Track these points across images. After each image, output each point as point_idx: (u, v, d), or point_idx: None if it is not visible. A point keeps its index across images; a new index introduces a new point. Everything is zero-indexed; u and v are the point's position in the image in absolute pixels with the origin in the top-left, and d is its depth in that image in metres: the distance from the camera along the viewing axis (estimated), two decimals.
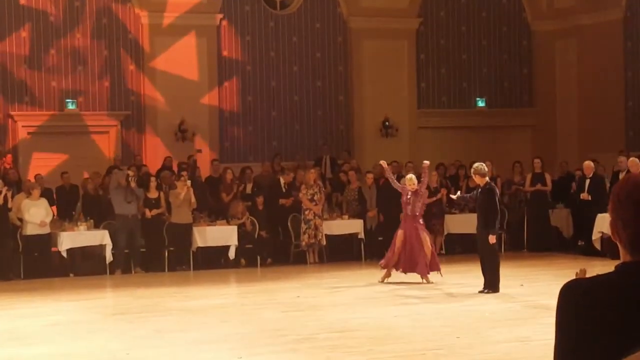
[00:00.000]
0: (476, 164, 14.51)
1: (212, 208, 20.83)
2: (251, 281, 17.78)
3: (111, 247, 19.23)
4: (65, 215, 20.09)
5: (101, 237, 19.34)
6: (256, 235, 20.39)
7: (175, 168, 21.82)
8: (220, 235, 19.88)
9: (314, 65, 24.64)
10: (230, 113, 23.96)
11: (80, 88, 22.83)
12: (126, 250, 19.60)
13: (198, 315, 13.12)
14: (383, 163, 17.06)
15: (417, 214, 16.18)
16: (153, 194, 20.10)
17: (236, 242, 19.90)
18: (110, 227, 19.51)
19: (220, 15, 23.72)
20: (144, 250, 19.86)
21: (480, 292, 14.43)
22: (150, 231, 19.79)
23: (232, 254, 19.96)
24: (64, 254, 19.16)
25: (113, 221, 19.64)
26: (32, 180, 20.33)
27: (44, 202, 19.33)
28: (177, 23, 23.15)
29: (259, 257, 20.26)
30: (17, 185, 20.24)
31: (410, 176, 16.35)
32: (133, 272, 19.51)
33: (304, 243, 20.27)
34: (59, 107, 22.64)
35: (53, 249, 19.35)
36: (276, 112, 24.35)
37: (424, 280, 16.12)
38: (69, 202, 20.44)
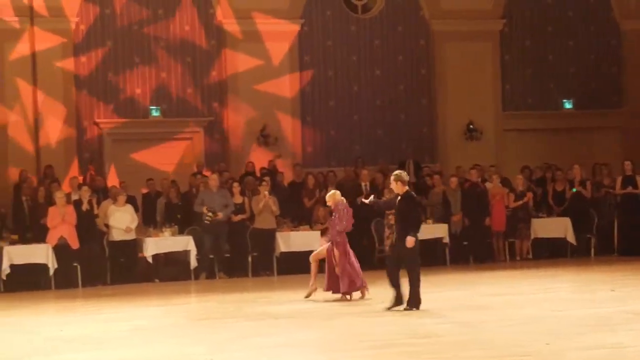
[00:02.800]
0: (398, 171, 13.85)
1: (295, 213, 20.78)
2: None
3: (195, 252, 19.31)
4: (150, 221, 20.21)
5: (185, 243, 19.44)
6: None
7: (258, 174, 21.83)
8: (304, 240, 19.81)
9: (396, 68, 24.43)
10: (312, 118, 23.87)
11: (165, 95, 22.96)
12: (211, 256, 19.66)
13: (281, 321, 13.03)
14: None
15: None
16: (237, 199, 20.15)
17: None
18: (194, 233, 19.59)
19: (302, 21, 23.66)
20: (228, 255, 19.90)
21: (406, 309, 13.40)
22: (235, 236, 19.84)
23: None
24: (150, 260, 19.29)
25: (197, 227, 19.72)
26: (118, 187, 20.50)
27: (129, 208, 19.52)
28: (259, 29, 23.13)
29: None
30: (103, 192, 20.44)
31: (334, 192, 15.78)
32: (217, 277, 19.57)
33: (387, 248, 20.07)
34: (144, 114, 22.79)
35: (139, 254, 19.50)
36: (358, 116, 24.19)
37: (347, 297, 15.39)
38: (154, 209, 20.55)
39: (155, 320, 13.65)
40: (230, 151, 23.20)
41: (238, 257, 19.91)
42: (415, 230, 13.39)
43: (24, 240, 19.14)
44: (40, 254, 18.79)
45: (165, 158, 22.75)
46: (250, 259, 19.86)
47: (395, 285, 13.56)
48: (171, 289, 17.92)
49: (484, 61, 24.56)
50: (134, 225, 19.38)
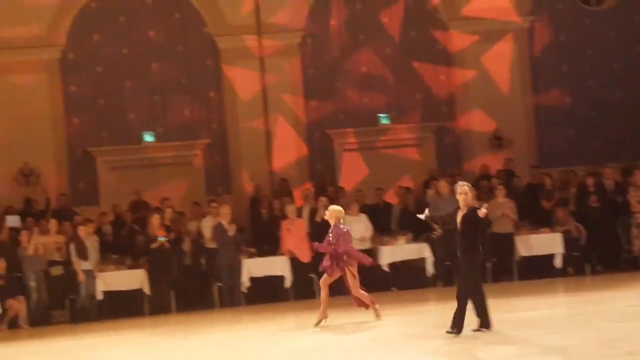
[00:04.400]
0: (463, 182, 12.32)
1: (533, 216, 20.09)
2: (579, 290, 16.89)
3: (432, 260, 19.02)
4: (383, 230, 20.03)
5: (421, 250, 19.18)
6: (582, 242, 19.52)
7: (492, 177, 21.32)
8: (545, 243, 19.26)
9: (636, 60, 23.23)
10: (547, 117, 23.05)
11: (392, 102, 22.78)
12: (447, 262, 19.30)
13: (523, 327, 12.49)
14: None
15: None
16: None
17: (562, 250, 19.12)
18: (429, 240, 19.29)
19: (532, 17, 22.94)
20: None
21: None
22: None
23: (558, 262, 19.21)
24: (386, 268, 19.13)
25: (432, 233, 19.42)
26: (349, 196, 20.50)
27: (363, 217, 19.46)
28: (489, 29, 22.59)
29: (586, 265, 19.36)
30: (337, 202, 20.40)
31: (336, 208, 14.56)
32: (455, 284, 19.16)
33: (636, 248, 19.13)
34: (372, 122, 22.68)
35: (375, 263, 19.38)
36: (597, 113, 23.13)
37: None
38: (386, 217, 20.37)
39: (394, 329, 13.44)
40: (463, 155, 22.74)
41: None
42: (483, 247, 12.19)
43: (261, 253, 19.39)
44: (278, 266, 18.97)
45: (395, 165, 22.48)
46: (488, 264, 19.35)
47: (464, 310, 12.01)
48: (408, 297, 17.67)
49: None
50: (368, 234, 19.28)
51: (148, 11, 22.02)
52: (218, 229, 18.93)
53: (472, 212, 11.83)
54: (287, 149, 22.18)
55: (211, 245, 19.23)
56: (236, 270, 18.83)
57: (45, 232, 18.78)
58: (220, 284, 18.97)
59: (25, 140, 20.94)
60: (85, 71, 21.76)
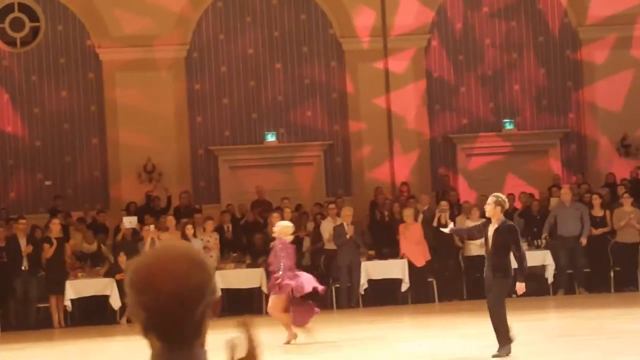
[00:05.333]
0: (498, 194, 11.46)
1: None
2: None
3: (553, 267, 18.62)
4: None
5: (543, 258, 18.80)
6: None
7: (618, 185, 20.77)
8: None
9: None
10: None
11: (517, 107, 22.39)
12: (569, 271, 18.89)
13: None
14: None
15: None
16: (597, 212, 19.24)
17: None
18: (551, 247, 18.88)
19: None
20: (587, 270, 19.01)
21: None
22: (594, 251, 18.94)
23: None
24: None
25: (555, 241, 19.02)
26: (472, 201, 20.19)
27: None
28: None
29: None
30: (457, 206, 20.16)
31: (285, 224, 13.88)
32: (577, 292, 18.75)
33: None
34: (497, 127, 22.34)
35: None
36: None
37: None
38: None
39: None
40: (589, 162, 22.20)
41: (598, 272, 18.98)
42: (524, 273, 11.20)
43: (380, 255, 19.28)
44: (396, 269, 18.83)
45: (521, 171, 22.07)
46: (612, 273, 18.85)
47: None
48: (528, 305, 17.28)
49: None
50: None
51: (274, 11, 22.12)
52: (338, 230, 18.89)
53: (504, 226, 10.92)
54: (409, 153, 22.00)
55: (330, 246, 19.20)
56: (355, 271, 18.75)
57: (164, 229, 18.99)
58: (337, 285, 18.92)
59: (149, 138, 21.26)
60: (210, 70, 21.99)
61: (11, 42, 21.55)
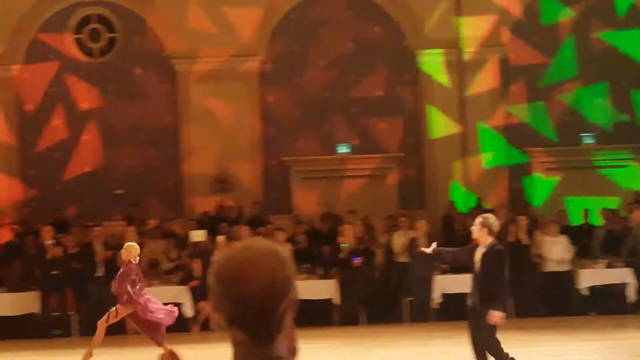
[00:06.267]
0: (487, 214, 10.74)
1: None
2: None
3: (636, 286, 18.17)
4: (585, 252, 19.27)
5: (623, 275, 18.36)
6: None
7: None
8: None
9: None
10: None
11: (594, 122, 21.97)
12: None
13: None
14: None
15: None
16: None
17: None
18: (634, 265, 18.42)
19: None
20: None
21: None
22: None
23: None
24: (584, 292, 18.44)
25: (634, 258, 18.55)
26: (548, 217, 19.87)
27: (562, 239, 18.81)
28: None
29: None
30: (534, 222, 19.78)
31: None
32: None
33: None
34: (575, 141, 21.93)
35: (574, 287, 18.67)
36: None
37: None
38: (589, 239, 19.61)
39: (590, 355, 12.82)
40: None
41: None
42: (502, 301, 10.22)
43: (454, 269, 18.96)
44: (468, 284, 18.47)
45: (598, 187, 21.61)
46: None
47: None
48: (608, 323, 16.89)
49: None
50: (567, 256, 18.60)
51: (348, 24, 21.99)
52: (412, 244, 18.66)
53: (492, 251, 10.06)
54: (484, 166, 21.69)
55: (402, 259, 18.96)
56: (428, 285, 18.49)
57: (236, 239, 18.93)
58: (410, 299, 18.67)
59: (222, 148, 21.26)
60: (284, 81, 21.92)
61: (89, 53, 21.77)
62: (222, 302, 2.59)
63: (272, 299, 2.56)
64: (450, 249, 11.52)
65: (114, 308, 13.51)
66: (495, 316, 10.00)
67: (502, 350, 10.24)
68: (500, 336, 15.01)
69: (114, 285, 13.40)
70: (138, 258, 13.55)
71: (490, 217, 10.34)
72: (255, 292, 2.54)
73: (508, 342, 14.08)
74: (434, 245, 11.30)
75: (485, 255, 10.04)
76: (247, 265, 2.57)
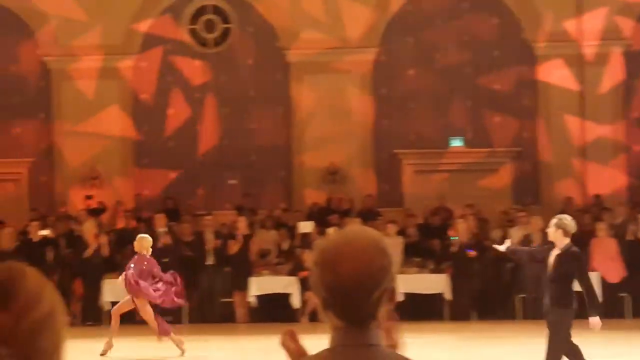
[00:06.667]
0: (561, 215, 10.36)
1: None
2: None
3: None
4: None
5: None
6: None
7: None
8: None
9: None
10: None
11: None
12: None
13: None
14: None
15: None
16: None
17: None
18: None
19: None
20: None
21: None
22: None
23: None
24: None
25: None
26: None
27: None
28: None
29: None
30: None
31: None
32: None
33: None
34: None
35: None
36: None
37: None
38: None
39: None
40: None
41: None
42: (596, 306, 9.93)
43: None
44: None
45: None
46: None
47: None
48: None
49: None
50: None
51: (465, 16, 21.65)
52: (525, 240, 18.28)
53: (568, 252, 9.74)
54: (602, 163, 21.11)
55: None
56: (541, 282, 18.07)
57: None
58: (524, 295, 18.31)
59: (334, 139, 21.17)
60: (398, 74, 21.71)
61: (203, 43, 21.93)
62: (317, 285, 2.62)
63: (363, 285, 2.57)
64: (527, 248, 11.39)
65: (128, 297, 13.51)
66: (596, 323, 9.88)
67: (579, 351, 9.97)
68: (614, 335, 14.58)
69: (128, 276, 13.37)
70: (150, 250, 13.59)
71: (566, 218, 10.12)
72: (346, 276, 2.56)
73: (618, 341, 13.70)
74: (507, 242, 11.22)
75: (560, 257, 9.81)
76: (343, 249, 2.60)
